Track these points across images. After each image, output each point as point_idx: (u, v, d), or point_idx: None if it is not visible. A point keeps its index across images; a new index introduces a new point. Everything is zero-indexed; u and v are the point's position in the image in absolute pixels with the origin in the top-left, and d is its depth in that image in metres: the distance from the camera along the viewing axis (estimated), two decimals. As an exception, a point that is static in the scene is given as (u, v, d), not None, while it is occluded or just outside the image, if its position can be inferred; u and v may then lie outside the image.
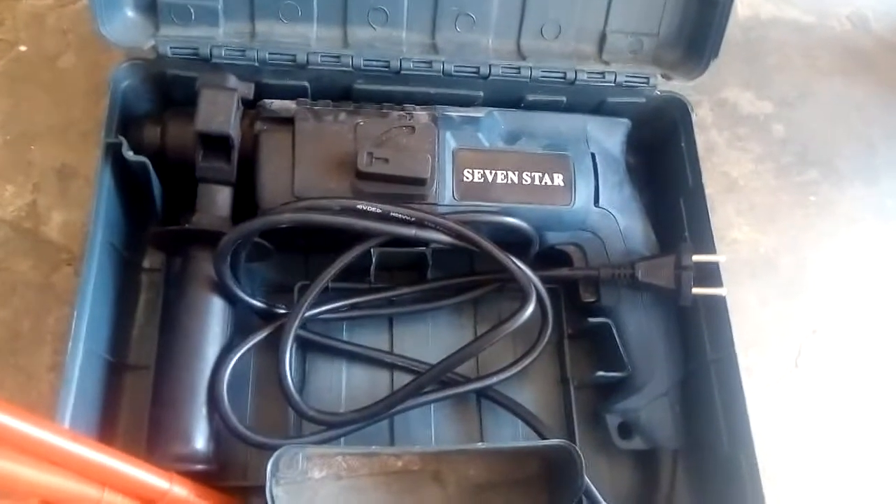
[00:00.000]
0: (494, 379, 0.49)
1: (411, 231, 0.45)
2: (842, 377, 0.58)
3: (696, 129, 0.54)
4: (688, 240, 0.51)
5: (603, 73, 0.52)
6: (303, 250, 0.51)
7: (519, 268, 0.46)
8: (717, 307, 0.49)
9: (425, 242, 0.47)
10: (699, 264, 0.48)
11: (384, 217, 0.45)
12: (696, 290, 0.48)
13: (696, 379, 0.50)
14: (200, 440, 0.43)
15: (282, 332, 0.45)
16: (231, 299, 0.46)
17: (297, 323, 0.45)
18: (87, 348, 0.43)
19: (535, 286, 0.46)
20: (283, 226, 0.44)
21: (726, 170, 0.65)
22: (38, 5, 0.62)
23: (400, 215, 0.45)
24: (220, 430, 0.44)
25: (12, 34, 0.61)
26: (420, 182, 0.47)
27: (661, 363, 0.50)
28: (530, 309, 0.45)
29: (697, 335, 0.50)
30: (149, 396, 0.46)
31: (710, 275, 0.49)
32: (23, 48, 0.60)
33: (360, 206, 0.45)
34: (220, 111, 0.44)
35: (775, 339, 0.58)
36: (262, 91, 0.49)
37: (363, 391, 0.50)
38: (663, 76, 0.52)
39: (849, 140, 0.68)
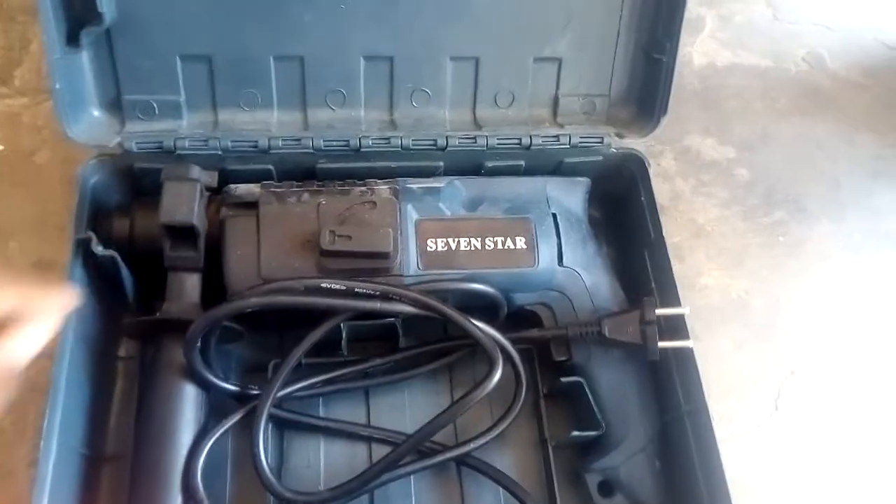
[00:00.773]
0: (472, 445, 0.49)
1: (376, 304, 0.46)
2: (823, 417, 0.57)
3: (659, 179, 0.55)
4: (653, 293, 0.52)
5: (558, 136, 0.53)
6: (275, 328, 0.52)
7: (484, 332, 0.47)
8: (686, 358, 0.49)
9: (391, 314, 0.48)
10: (666, 317, 0.49)
11: (349, 293, 0.46)
12: (662, 344, 0.48)
13: (672, 432, 0.50)
14: (177, 531, 0.43)
15: (255, 414, 0.46)
16: (203, 385, 0.47)
17: (269, 403, 0.46)
18: (62, 443, 0.43)
19: (502, 350, 0.47)
20: (250, 310, 0.45)
21: (693, 217, 0.66)
22: (13, 105, 0.64)
23: (364, 290, 0.46)
24: (198, 518, 0.45)
25: (-11, 134, 0.63)
26: (383, 256, 0.48)
27: (636, 418, 0.50)
28: (497, 374, 0.45)
29: (670, 388, 0.50)
30: (126, 488, 0.46)
31: (676, 327, 0.49)
32: (0, 147, 0.62)
33: (323, 285, 0.46)
34: (183, 202, 0.46)
35: (753, 384, 0.58)
36: (229, 176, 0.51)
37: (342, 466, 0.50)
38: (617, 135, 0.54)
39: (813, 178, 0.69)
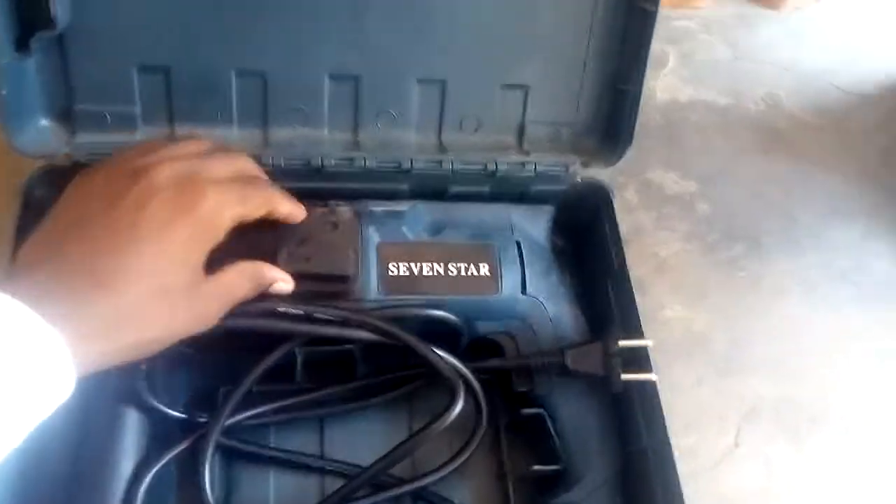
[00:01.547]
0: (430, 479, 0.47)
1: (334, 330, 0.45)
2: (783, 453, 0.57)
3: (622, 212, 0.55)
4: (617, 324, 0.51)
5: (523, 164, 0.53)
6: (226, 352, 0.50)
7: (445, 362, 0.45)
8: (649, 391, 0.48)
9: (350, 340, 0.46)
10: (629, 349, 0.48)
11: (306, 318, 0.44)
12: (625, 376, 0.47)
13: (634, 466, 0.49)
14: (112, 568, 0.40)
15: (201, 442, 0.43)
16: (147, 411, 0.44)
17: (216, 432, 0.44)
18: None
19: (463, 380, 0.46)
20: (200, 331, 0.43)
21: (655, 250, 0.66)
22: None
23: (323, 315, 0.45)
24: (136, 553, 0.42)
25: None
26: (344, 279, 0.46)
27: (598, 452, 0.48)
28: (459, 405, 0.44)
29: (632, 421, 0.49)
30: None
31: (639, 359, 0.48)
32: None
33: (280, 309, 0.44)
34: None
35: (714, 419, 0.58)
36: (184, 193, 0.49)
37: (293, 499, 0.48)
38: (582, 164, 0.54)
39: (771, 215, 0.70)
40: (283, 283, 0.43)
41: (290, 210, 0.44)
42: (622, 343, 0.48)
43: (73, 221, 0.36)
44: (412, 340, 0.45)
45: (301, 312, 0.44)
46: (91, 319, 0.33)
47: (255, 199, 0.42)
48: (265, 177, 0.44)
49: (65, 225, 0.36)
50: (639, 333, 0.49)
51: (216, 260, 0.40)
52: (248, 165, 0.43)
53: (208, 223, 0.38)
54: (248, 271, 0.41)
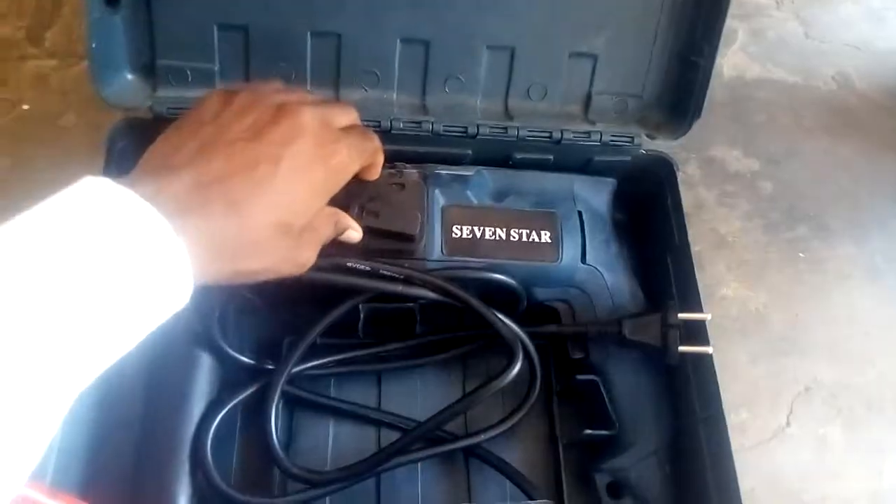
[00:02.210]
0: (482, 437, 0.48)
1: (398, 287, 0.46)
2: (835, 435, 0.57)
3: (683, 187, 0.55)
4: (675, 298, 0.51)
5: (588, 133, 0.53)
6: (292, 304, 0.52)
7: (506, 325, 0.46)
8: (704, 365, 0.49)
9: (412, 298, 0.47)
10: (686, 322, 0.49)
11: (372, 274, 0.46)
12: (682, 349, 0.48)
13: (685, 438, 0.49)
14: (182, 499, 0.43)
15: (268, 389, 0.45)
16: (219, 355, 0.46)
17: (283, 380, 0.45)
18: (71, 411, 0.42)
19: (521, 344, 0.46)
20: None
21: (715, 226, 0.65)
22: (43, 66, 0.64)
23: (388, 272, 0.46)
24: (204, 488, 0.44)
25: (16, 94, 0.63)
26: (409, 238, 0.47)
27: (650, 422, 0.49)
28: (517, 367, 0.45)
29: (686, 393, 0.50)
30: (134, 453, 0.46)
31: (697, 333, 0.49)
32: (25, 107, 0.62)
33: (349, 264, 0.45)
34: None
35: (767, 398, 0.58)
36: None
37: (350, 448, 0.49)
38: (648, 136, 0.54)
39: (836, 197, 0.68)
40: (355, 231, 0.44)
41: (381, 166, 0.46)
42: (681, 315, 0.48)
43: (215, 136, 0.36)
44: (474, 302, 0.46)
45: (368, 268, 0.45)
46: (218, 237, 0.34)
47: (369, 153, 0.44)
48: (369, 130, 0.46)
49: (207, 137, 0.36)
50: (698, 307, 0.49)
51: None
52: (358, 119, 0.45)
53: (337, 174, 0.40)
54: (333, 217, 0.43)
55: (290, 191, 0.37)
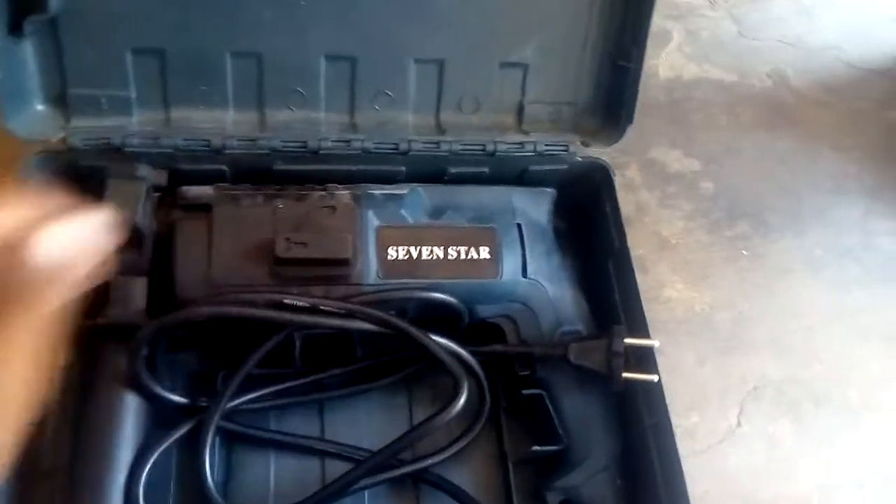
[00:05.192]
0: (431, 461, 0.47)
1: (335, 322, 0.44)
2: (786, 433, 0.57)
3: (624, 191, 0.55)
4: (618, 305, 0.51)
5: (522, 144, 0.52)
6: (225, 337, 0.50)
7: (448, 354, 0.45)
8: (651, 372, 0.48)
9: (352, 332, 0.46)
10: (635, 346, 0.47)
11: (311, 310, 0.44)
12: (627, 375, 0.46)
13: (634, 447, 0.49)
14: (115, 550, 0.41)
15: (201, 427, 0.44)
16: (148, 395, 0.44)
17: (216, 417, 0.44)
18: (-8, 458, 0.40)
19: (467, 369, 0.45)
20: (202, 319, 0.43)
21: (658, 229, 0.65)
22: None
23: (328, 308, 0.44)
24: (138, 536, 0.42)
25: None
26: (342, 263, 0.46)
27: (599, 436, 0.48)
28: (463, 398, 0.44)
29: (633, 401, 0.49)
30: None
31: (644, 356, 0.47)
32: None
33: (287, 301, 0.44)
34: (126, 201, 0.43)
35: (716, 399, 0.58)
36: (181, 177, 0.48)
37: (294, 482, 0.48)
38: (583, 143, 0.53)
39: (775, 193, 0.69)
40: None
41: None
42: (628, 341, 0.47)
43: None
44: (417, 333, 0.45)
45: (307, 304, 0.44)
46: None
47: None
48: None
49: None
50: (645, 332, 0.48)
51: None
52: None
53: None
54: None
55: None
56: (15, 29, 0.45)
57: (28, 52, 0.46)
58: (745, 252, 0.65)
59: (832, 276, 0.65)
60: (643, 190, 0.67)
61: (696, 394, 0.57)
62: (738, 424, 0.57)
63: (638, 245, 0.62)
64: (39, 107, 0.48)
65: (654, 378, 0.47)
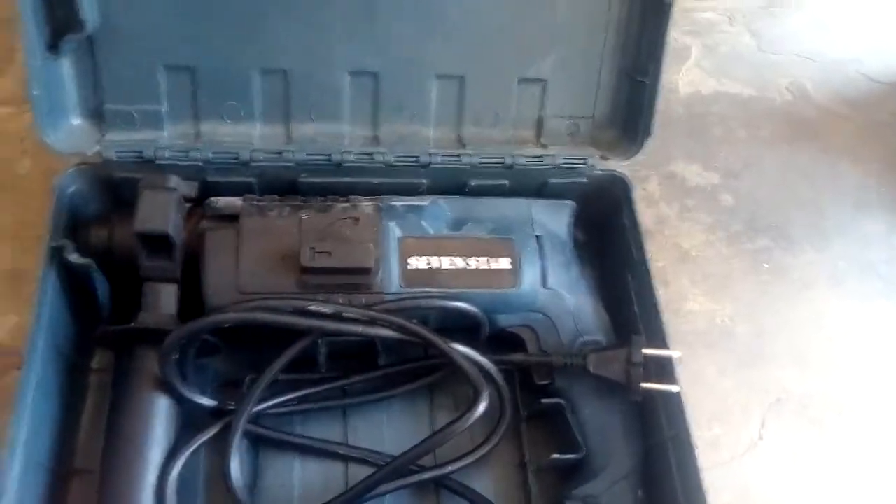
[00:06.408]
0: (451, 467, 0.48)
1: (358, 328, 0.45)
2: (808, 446, 0.57)
3: (644, 204, 0.55)
4: (636, 317, 0.51)
5: (542, 157, 0.53)
6: (253, 343, 0.51)
7: (469, 362, 0.46)
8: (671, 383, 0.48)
9: (375, 338, 0.47)
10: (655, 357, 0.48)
11: (335, 316, 0.45)
12: (646, 386, 0.47)
13: (654, 458, 0.49)
14: (144, 549, 0.42)
15: (229, 429, 0.45)
16: (178, 398, 0.46)
17: (244, 419, 0.45)
18: (28, 457, 0.42)
19: (487, 377, 0.46)
20: (230, 325, 0.45)
21: (678, 241, 0.66)
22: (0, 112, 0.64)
23: (351, 315, 0.45)
24: (167, 536, 0.43)
25: (-28, 142, 0.62)
26: (364, 272, 0.47)
27: (619, 445, 0.49)
28: (483, 405, 0.44)
29: (654, 412, 0.49)
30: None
31: (664, 365, 0.48)
32: (-19, 155, 0.62)
33: (311, 308, 0.45)
34: (158, 211, 0.45)
35: (738, 411, 0.58)
36: (210, 189, 0.50)
37: (317, 486, 0.49)
38: (601, 157, 0.54)
39: (797, 206, 0.69)
40: None
41: None
42: (647, 352, 0.47)
43: None
44: (438, 342, 0.45)
45: (331, 311, 0.45)
46: None
47: None
48: None
49: None
50: (664, 343, 0.48)
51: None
52: None
53: None
54: None
55: None
56: (53, 47, 0.47)
57: (65, 69, 0.48)
58: (766, 265, 0.65)
59: (853, 289, 0.64)
60: (663, 203, 0.67)
61: (719, 406, 0.57)
62: (761, 438, 0.57)
63: (658, 257, 0.63)
64: (76, 121, 0.50)
65: (675, 389, 0.47)
